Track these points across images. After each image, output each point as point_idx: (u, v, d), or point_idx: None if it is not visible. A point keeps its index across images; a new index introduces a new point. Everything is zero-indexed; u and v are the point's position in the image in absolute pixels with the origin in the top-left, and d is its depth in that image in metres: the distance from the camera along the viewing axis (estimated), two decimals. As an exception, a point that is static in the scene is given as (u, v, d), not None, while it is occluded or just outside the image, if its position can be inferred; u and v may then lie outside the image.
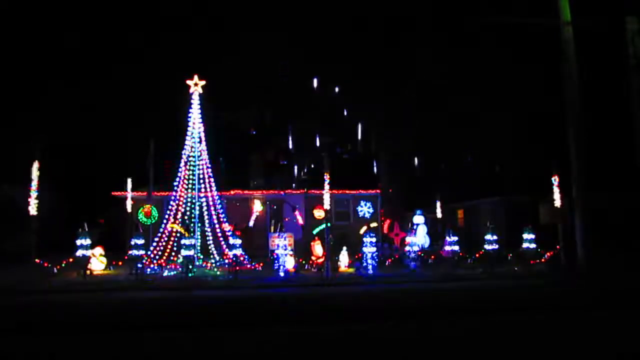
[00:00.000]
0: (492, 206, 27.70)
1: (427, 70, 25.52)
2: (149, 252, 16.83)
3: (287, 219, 24.21)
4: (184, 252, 15.17)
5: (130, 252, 15.65)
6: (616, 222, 21.96)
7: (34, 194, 14.77)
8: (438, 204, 23.87)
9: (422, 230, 24.10)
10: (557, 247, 16.70)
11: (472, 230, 28.13)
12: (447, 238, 18.09)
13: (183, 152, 17.91)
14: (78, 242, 14.96)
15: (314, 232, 18.19)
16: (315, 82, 24.56)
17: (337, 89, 25.25)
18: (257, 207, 24.64)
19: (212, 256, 17.50)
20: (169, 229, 17.26)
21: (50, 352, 6.92)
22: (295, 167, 25.75)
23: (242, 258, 17.11)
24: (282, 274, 15.34)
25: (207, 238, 17.67)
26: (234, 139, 26.57)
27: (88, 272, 15.19)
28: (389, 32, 26.45)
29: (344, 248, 17.33)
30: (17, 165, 21.42)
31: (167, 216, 17.70)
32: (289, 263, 16.01)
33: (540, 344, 7.02)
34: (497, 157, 29.60)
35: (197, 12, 31.28)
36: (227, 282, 14.22)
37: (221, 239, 17.46)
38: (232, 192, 24.23)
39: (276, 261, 15.85)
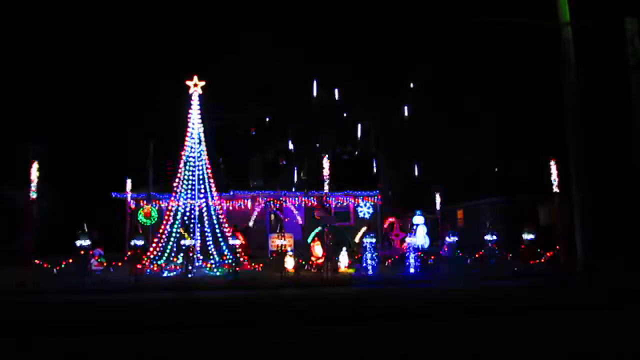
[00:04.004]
0: (492, 206, 27.71)
1: (426, 70, 25.53)
2: (148, 253, 16.83)
3: (287, 219, 24.23)
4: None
5: (129, 252, 15.64)
6: (616, 222, 21.95)
7: (33, 194, 14.75)
8: (437, 202, 23.83)
9: (421, 230, 24.08)
10: (557, 247, 16.68)
11: (472, 230, 28.13)
12: (447, 238, 18.04)
13: (182, 152, 17.90)
14: (78, 242, 14.92)
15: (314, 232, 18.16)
16: (315, 84, 24.54)
17: (337, 89, 25.24)
18: (257, 207, 24.64)
19: (211, 257, 17.49)
20: (176, 232, 17.16)
21: (49, 352, 6.92)
22: (295, 168, 25.77)
23: (242, 258, 17.12)
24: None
25: (207, 239, 17.66)
26: (234, 139, 26.59)
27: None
28: (389, 32, 26.43)
29: (344, 248, 17.32)
30: (17, 166, 21.44)
31: (166, 217, 17.69)
32: (289, 263, 16.01)
33: (539, 343, 7.01)
34: (497, 157, 29.60)
35: (197, 12, 31.28)
36: (227, 283, 14.22)
37: (221, 239, 17.46)
38: (232, 193, 24.25)
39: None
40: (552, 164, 16.29)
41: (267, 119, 27.79)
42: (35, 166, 14.99)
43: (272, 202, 24.43)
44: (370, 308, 10.23)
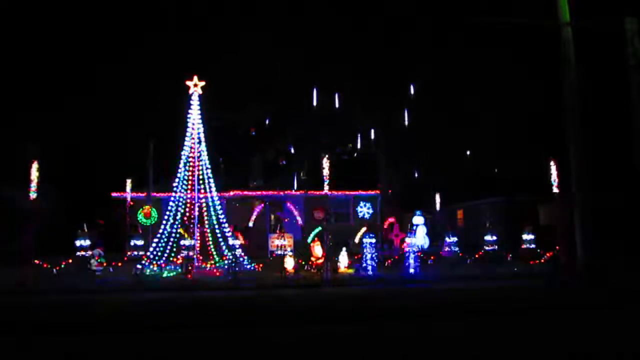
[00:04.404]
0: (492, 206, 27.69)
1: (427, 70, 25.53)
2: (148, 253, 16.82)
3: (287, 220, 24.24)
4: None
5: (129, 253, 15.66)
6: (616, 222, 21.92)
7: (33, 194, 14.76)
8: (437, 201, 23.84)
9: (421, 230, 24.09)
10: (557, 247, 16.69)
11: (472, 230, 28.12)
12: (447, 239, 18.05)
13: (182, 153, 17.88)
14: (77, 243, 14.94)
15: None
16: (315, 92, 24.52)
17: (336, 90, 25.24)
18: (257, 207, 24.65)
19: (211, 257, 17.48)
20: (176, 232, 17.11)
21: (49, 352, 6.92)
22: (295, 168, 25.78)
23: (241, 259, 17.11)
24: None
25: (207, 239, 17.65)
26: (234, 139, 26.59)
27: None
28: (389, 32, 26.44)
29: (344, 249, 17.33)
30: (17, 166, 21.45)
31: (166, 217, 17.68)
32: (289, 264, 16.01)
33: (539, 343, 7.01)
34: (497, 157, 29.60)
35: (197, 12, 31.28)
36: (227, 283, 14.21)
37: (221, 240, 17.45)
38: (231, 193, 24.23)
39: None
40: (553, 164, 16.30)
41: (267, 120, 27.79)
42: (34, 166, 15.01)
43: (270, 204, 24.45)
44: (370, 308, 10.22)
